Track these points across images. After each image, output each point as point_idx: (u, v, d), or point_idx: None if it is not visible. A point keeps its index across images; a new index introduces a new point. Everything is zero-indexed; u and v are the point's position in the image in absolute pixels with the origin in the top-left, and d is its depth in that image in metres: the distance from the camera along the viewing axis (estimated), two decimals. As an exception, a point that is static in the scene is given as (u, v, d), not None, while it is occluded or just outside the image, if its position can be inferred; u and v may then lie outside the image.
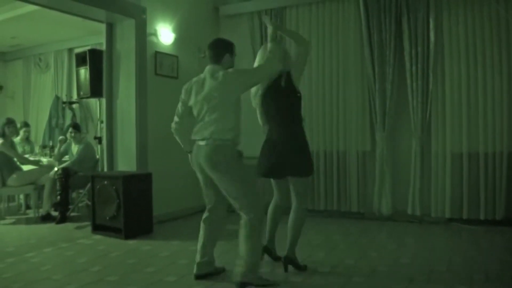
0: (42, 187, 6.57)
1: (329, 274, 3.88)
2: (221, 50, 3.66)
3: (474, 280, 3.68)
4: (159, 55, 6.21)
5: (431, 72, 5.87)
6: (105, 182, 5.36)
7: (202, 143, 3.54)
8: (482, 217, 5.67)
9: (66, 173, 6.41)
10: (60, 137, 7.57)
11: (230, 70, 3.59)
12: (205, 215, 3.92)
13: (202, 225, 3.90)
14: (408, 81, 5.95)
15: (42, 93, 9.80)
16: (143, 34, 5.97)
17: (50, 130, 9.15)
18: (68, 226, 6.05)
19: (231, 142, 3.52)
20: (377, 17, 6.10)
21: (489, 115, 5.67)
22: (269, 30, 3.95)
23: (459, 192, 5.81)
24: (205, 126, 3.54)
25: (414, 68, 5.91)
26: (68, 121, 8.63)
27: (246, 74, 3.67)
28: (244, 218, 3.50)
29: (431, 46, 5.85)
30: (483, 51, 5.68)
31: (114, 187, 5.24)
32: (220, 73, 3.53)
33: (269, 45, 3.77)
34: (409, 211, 6.03)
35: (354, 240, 5.11)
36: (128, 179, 5.28)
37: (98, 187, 5.44)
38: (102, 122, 7.07)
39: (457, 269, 3.99)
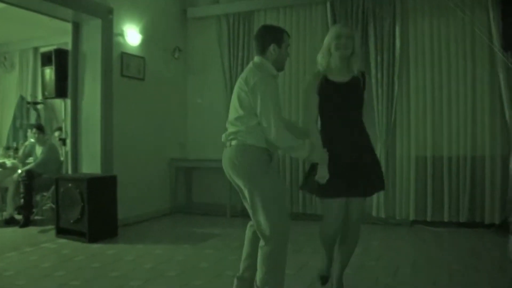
0: (6, 189, 6.44)
1: (294, 276, 3.89)
2: (265, 39, 3.06)
3: (438, 281, 3.77)
4: (126, 56, 6.15)
5: (396, 79, 5.98)
6: (69, 184, 5.28)
7: (227, 144, 3.07)
8: (446, 219, 5.81)
9: (30, 175, 6.28)
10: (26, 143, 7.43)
11: (257, 75, 2.94)
12: (250, 222, 3.23)
13: (246, 233, 3.28)
14: (374, 87, 6.03)
15: (6, 93, 9.58)
16: (109, 35, 5.91)
17: (14, 131, 8.96)
18: (32, 229, 5.94)
19: (257, 145, 2.97)
20: (343, 23, 6.16)
21: (453, 121, 5.82)
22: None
23: (423, 195, 5.94)
24: (231, 125, 3.07)
25: (379, 74, 6.00)
26: (32, 122, 8.46)
27: (258, 99, 2.90)
28: (261, 239, 2.98)
29: (397, 53, 5.96)
30: (448, 59, 5.83)
31: (78, 190, 5.16)
32: (252, 68, 3.03)
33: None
34: (374, 214, 6.12)
35: (319, 243, 5.14)
36: (93, 182, 5.21)
37: (62, 190, 5.35)
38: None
39: (422, 270, 4.07)
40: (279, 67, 3.10)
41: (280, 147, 2.95)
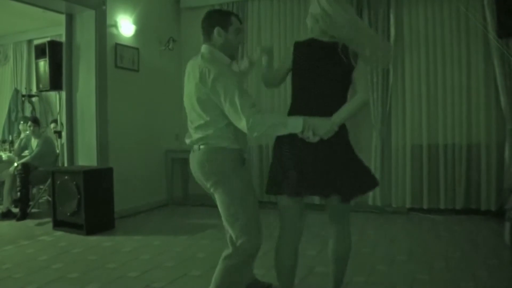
0: (2, 183, 6.43)
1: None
2: (209, 23, 2.71)
3: (435, 268, 3.79)
4: (120, 47, 6.11)
5: (392, 66, 5.97)
6: (66, 177, 5.26)
7: (194, 148, 2.78)
8: (442, 206, 5.85)
9: (26, 168, 6.27)
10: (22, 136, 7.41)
11: (212, 71, 2.53)
12: None
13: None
14: (369, 75, 6.01)
15: (1, 86, 9.58)
16: (103, 26, 5.87)
17: (10, 124, 8.95)
18: (29, 222, 5.93)
19: (230, 147, 2.67)
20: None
21: (448, 108, 5.83)
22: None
23: (419, 183, 5.97)
24: (196, 130, 2.73)
25: (374, 62, 5.98)
26: (27, 115, 8.44)
27: (221, 96, 2.53)
28: (229, 247, 2.70)
29: (392, 40, 5.94)
30: (443, 47, 5.82)
31: (74, 183, 5.15)
32: (202, 63, 2.61)
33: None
34: (370, 202, 6.15)
35: (315, 232, 5.14)
36: (89, 174, 5.20)
37: (58, 182, 5.34)
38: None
39: (418, 258, 4.09)
40: (229, 54, 2.74)
41: (262, 133, 2.51)
